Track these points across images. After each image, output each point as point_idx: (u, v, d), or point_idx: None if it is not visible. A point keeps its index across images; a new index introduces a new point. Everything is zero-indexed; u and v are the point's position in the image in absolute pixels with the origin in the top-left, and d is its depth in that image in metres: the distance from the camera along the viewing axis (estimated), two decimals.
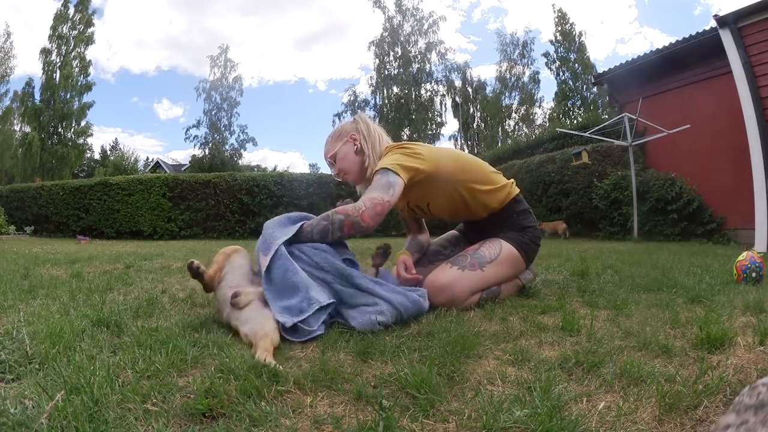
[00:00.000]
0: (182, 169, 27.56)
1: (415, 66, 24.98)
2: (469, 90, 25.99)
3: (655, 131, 6.45)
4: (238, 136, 26.69)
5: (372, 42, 25.05)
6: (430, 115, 25.30)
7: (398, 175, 1.45)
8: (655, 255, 3.56)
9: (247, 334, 1.09)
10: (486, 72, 48.26)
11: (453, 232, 1.97)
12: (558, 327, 1.24)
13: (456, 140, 26.06)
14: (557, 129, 11.20)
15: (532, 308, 1.47)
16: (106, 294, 1.75)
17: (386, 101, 24.82)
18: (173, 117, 47.49)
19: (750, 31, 4.85)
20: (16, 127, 22.62)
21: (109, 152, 35.63)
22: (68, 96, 22.52)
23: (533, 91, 25.01)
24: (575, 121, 19.78)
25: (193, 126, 26.35)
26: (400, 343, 1.08)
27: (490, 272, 1.57)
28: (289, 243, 1.35)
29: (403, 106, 24.46)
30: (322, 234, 1.39)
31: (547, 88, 43.99)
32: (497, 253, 1.61)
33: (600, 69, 16.82)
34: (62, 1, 22.41)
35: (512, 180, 1.78)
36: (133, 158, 35.40)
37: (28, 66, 42.60)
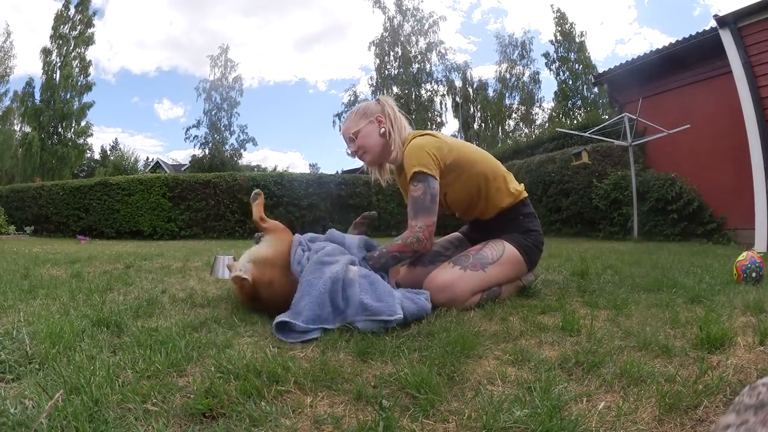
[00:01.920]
0: (182, 169, 27.57)
1: (416, 66, 24.97)
2: (470, 90, 25.99)
3: (655, 131, 6.45)
4: (238, 136, 26.71)
5: (372, 42, 25.06)
6: (430, 115, 25.29)
7: (434, 177, 1.53)
8: (655, 255, 3.56)
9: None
10: (486, 72, 48.28)
11: (456, 234, 1.97)
12: (558, 327, 1.24)
13: None
14: (557, 129, 11.19)
15: (532, 308, 1.47)
16: (106, 294, 1.74)
17: None
18: (174, 117, 47.65)
19: (750, 31, 4.85)
20: (16, 127, 22.61)
21: (109, 152, 35.67)
22: (68, 96, 22.51)
23: (533, 91, 25.04)
24: (575, 121, 19.77)
25: (193, 126, 26.37)
26: (400, 343, 1.08)
27: (492, 273, 1.57)
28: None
29: (403, 106, 24.25)
30: (390, 267, 1.56)
31: (548, 88, 44.06)
32: (500, 254, 1.61)
33: (600, 69, 16.82)
34: (63, 2, 22.44)
35: (522, 184, 1.80)
36: (133, 158, 35.45)
37: (28, 66, 42.67)
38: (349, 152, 1.72)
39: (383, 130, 1.65)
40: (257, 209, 1.62)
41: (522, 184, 1.79)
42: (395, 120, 1.67)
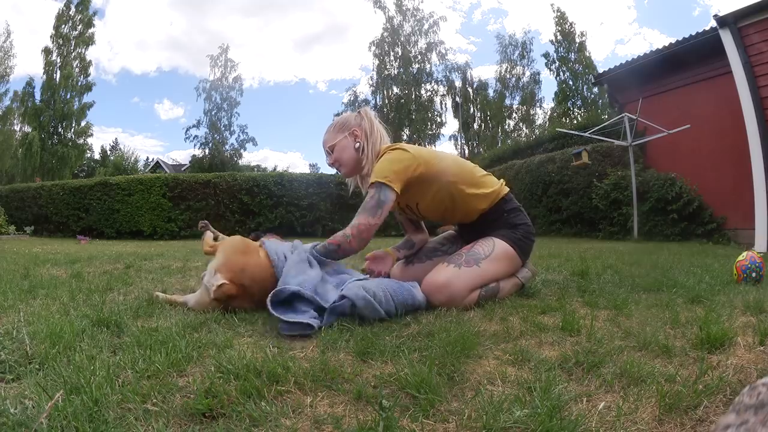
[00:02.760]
0: (182, 169, 27.58)
1: (416, 66, 24.97)
2: (470, 90, 25.99)
3: (655, 131, 6.45)
4: (238, 136, 26.73)
5: (372, 42, 25.07)
6: (430, 115, 25.30)
7: (391, 188, 1.53)
8: (655, 255, 3.56)
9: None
10: (486, 72, 48.32)
11: (451, 231, 1.98)
12: (558, 327, 1.24)
13: (456, 140, 26.09)
14: (557, 129, 11.19)
15: (532, 308, 1.47)
16: (106, 294, 1.75)
17: (386, 101, 24.82)
18: (174, 117, 47.74)
19: (750, 31, 4.84)
20: (16, 127, 22.65)
21: (109, 152, 35.68)
22: (68, 96, 22.52)
23: (534, 91, 25.04)
24: (575, 121, 19.77)
25: (193, 126, 26.39)
26: (400, 343, 1.08)
27: (486, 268, 1.58)
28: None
29: (403, 106, 24.45)
30: (321, 262, 1.58)
31: (548, 89, 44.12)
32: (491, 249, 1.63)
33: (600, 69, 16.81)
34: (64, 2, 22.45)
35: (502, 180, 1.80)
36: (133, 158, 35.48)
37: (28, 66, 42.74)
38: (328, 163, 1.76)
39: (358, 145, 1.68)
40: (205, 242, 1.68)
41: (502, 180, 1.80)
42: (371, 134, 1.69)
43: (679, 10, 39.24)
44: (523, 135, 24.36)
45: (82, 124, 23.29)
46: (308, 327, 1.18)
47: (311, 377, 0.84)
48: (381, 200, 1.52)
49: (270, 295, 1.26)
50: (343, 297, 1.30)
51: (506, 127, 25.69)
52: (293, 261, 1.45)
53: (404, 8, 25.01)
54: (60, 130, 22.63)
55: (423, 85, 25.22)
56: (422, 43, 25.14)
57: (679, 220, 5.99)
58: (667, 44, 6.73)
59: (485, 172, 1.77)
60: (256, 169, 27.13)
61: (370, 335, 1.13)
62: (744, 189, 4.94)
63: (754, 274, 1.98)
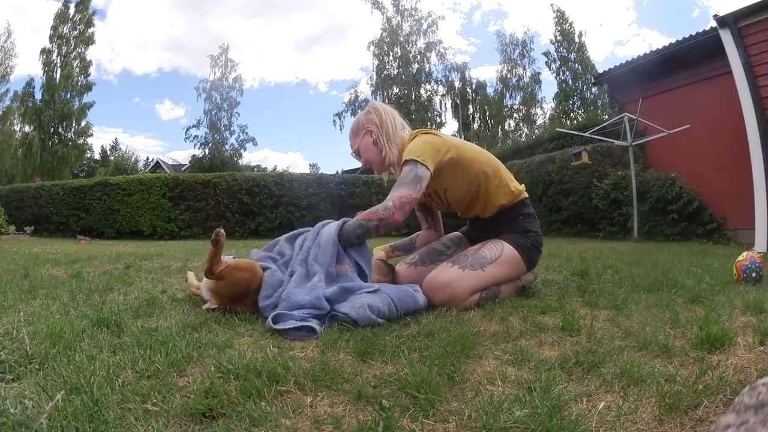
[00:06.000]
0: (182, 169, 27.57)
1: (415, 66, 24.97)
2: (469, 90, 25.99)
3: (655, 131, 6.45)
4: (238, 136, 26.71)
5: (371, 42, 25.06)
6: (430, 115, 25.29)
7: (426, 166, 1.53)
8: (655, 255, 3.56)
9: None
10: (487, 73, 48.39)
11: (456, 233, 1.98)
12: (558, 327, 1.24)
13: None
14: (557, 129, 11.19)
15: (532, 308, 1.47)
16: (106, 294, 1.74)
17: (386, 101, 24.80)
18: (175, 117, 47.90)
19: (750, 31, 4.84)
20: (16, 127, 22.63)
21: (109, 152, 35.70)
22: (68, 96, 22.51)
23: (535, 91, 25.05)
24: (575, 121, 19.77)
25: (193, 126, 26.36)
26: (400, 343, 1.08)
27: (491, 272, 1.58)
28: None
29: (402, 106, 24.44)
30: (360, 239, 1.52)
31: (548, 89, 44.15)
32: (498, 254, 1.62)
33: (600, 70, 16.81)
34: (63, 1, 22.43)
35: (523, 185, 1.82)
36: (133, 158, 35.51)
37: (29, 66, 42.74)
38: (363, 165, 1.79)
39: (373, 138, 1.71)
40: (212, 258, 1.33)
41: (523, 185, 1.80)
42: (382, 123, 1.71)
43: (678, 11, 39.39)
44: (523, 135, 24.37)
45: (82, 124, 23.28)
46: (312, 331, 1.18)
47: (311, 377, 0.84)
48: (419, 175, 1.52)
49: (270, 317, 1.23)
50: (346, 314, 1.28)
51: (506, 127, 25.70)
52: (297, 277, 1.40)
53: (402, 8, 25.00)
54: (60, 130, 22.62)
55: (422, 85, 25.23)
56: (421, 43, 25.14)
57: (679, 220, 5.99)
58: (667, 44, 6.74)
59: (508, 171, 1.80)
60: (256, 169, 27.14)
61: (370, 335, 1.13)
62: (744, 189, 4.95)
63: (754, 274, 1.98)
